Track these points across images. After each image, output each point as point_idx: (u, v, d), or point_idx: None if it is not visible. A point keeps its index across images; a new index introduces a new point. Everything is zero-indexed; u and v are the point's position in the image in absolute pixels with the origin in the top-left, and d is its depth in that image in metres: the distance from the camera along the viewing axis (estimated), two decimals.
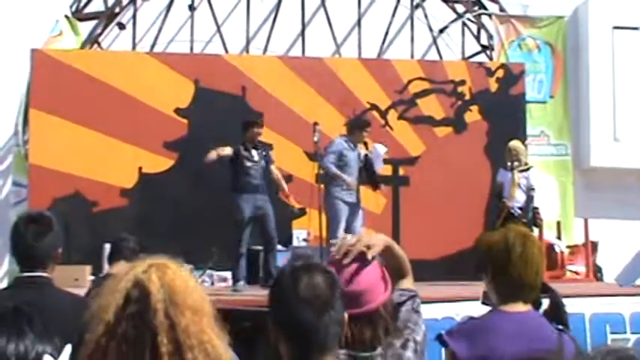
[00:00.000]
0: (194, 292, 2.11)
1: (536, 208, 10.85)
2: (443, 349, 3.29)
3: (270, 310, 2.40)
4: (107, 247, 9.19)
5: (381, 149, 10.06)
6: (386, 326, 2.65)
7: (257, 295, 8.51)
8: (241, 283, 9.34)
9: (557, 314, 3.25)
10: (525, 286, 3.22)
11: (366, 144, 10.06)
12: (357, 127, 10.10)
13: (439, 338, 3.26)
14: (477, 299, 6.32)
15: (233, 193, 9.54)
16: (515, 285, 3.22)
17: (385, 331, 2.64)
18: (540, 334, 3.10)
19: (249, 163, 9.57)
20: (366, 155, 9.90)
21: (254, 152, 9.68)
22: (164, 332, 1.99)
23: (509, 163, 10.60)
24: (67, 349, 2.08)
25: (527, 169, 10.67)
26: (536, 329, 3.12)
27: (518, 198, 10.47)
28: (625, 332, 7.44)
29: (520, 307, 3.21)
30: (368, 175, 9.94)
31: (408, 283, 3.08)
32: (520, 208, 10.45)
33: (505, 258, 3.23)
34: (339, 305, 2.33)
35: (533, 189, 10.59)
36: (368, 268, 2.68)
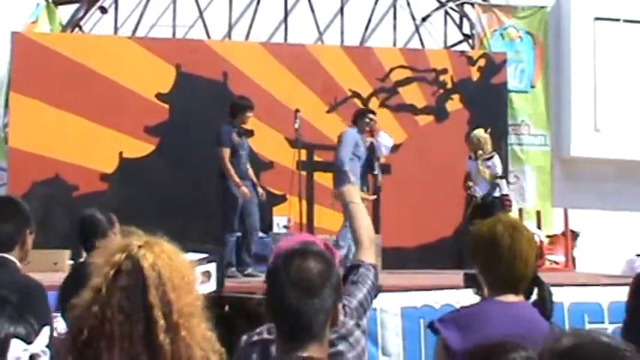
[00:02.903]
0: (187, 274, 2.13)
1: (506, 195, 10.76)
2: (422, 337, 3.27)
3: (265, 290, 2.41)
4: None
5: (385, 139, 10.10)
6: None
7: (241, 281, 8.57)
8: (233, 269, 9.26)
9: (542, 307, 3.22)
10: (515, 279, 3.17)
11: (371, 131, 10.10)
12: (359, 115, 10.16)
13: (431, 326, 3.22)
14: (456, 287, 6.37)
15: (226, 180, 9.39)
16: (505, 277, 3.17)
17: None
18: (536, 325, 3.03)
19: (242, 151, 9.50)
20: (371, 142, 9.95)
21: (244, 138, 9.61)
22: (159, 309, 2.01)
23: (472, 153, 10.58)
24: (45, 331, 2.09)
25: (491, 157, 10.62)
26: (532, 320, 3.07)
27: (482, 186, 10.42)
28: (603, 322, 7.49)
29: (512, 298, 3.17)
30: (368, 161, 9.95)
31: (364, 254, 3.12)
32: (482, 197, 10.37)
33: (493, 251, 3.17)
34: (327, 294, 2.30)
35: (498, 176, 10.55)
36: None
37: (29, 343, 2.04)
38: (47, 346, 2.09)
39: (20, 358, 1.98)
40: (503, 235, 3.17)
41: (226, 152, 9.32)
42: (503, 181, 10.76)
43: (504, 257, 3.14)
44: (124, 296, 2.03)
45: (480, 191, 10.39)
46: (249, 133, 10.27)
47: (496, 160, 10.62)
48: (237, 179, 9.23)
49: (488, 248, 3.19)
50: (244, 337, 2.77)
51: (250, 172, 9.68)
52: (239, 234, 9.48)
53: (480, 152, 10.49)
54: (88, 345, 2.00)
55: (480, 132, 10.70)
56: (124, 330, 2.00)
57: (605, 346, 1.24)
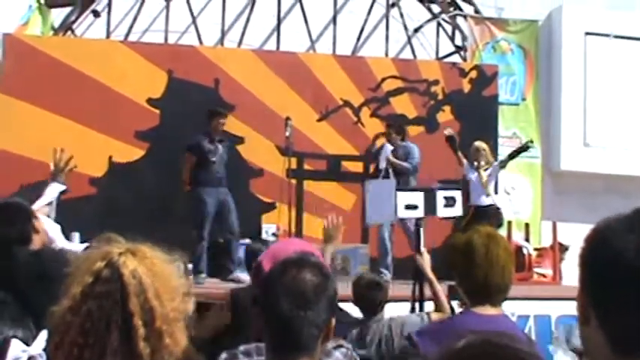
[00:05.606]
0: (171, 279, 2.11)
1: (498, 209, 10.81)
2: None
3: (258, 296, 2.37)
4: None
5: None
6: None
7: (219, 287, 8.50)
8: (203, 275, 9.28)
9: None
10: (492, 288, 3.17)
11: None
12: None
13: (409, 339, 3.22)
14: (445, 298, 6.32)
15: (196, 187, 9.51)
16: (482, 287, 3.17)
17: None
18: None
19: (213, 158, 9.54)
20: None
21: (218, 145, 9.65)
22: (139, 317, 1.99)
23: (475, 163, 10.58)
24: (43, 334, 2.08)
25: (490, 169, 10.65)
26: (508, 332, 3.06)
27: (483, 200, 10.45)
28: None
29: (490, 311, 3.17)
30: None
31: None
32: (484, 209, 10.39)
33: (469, 260, 3.18)
34: (321, 308, 2.26)
35: (494, 188, 10.60)
36: None
37: (27, 345, 2.03)
38: (44, 350, 2.07)
39: (20, 359, 1.97)
40: (479, 244, 3.18)
41: (188, 158, 9.70)
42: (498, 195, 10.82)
43: (481, 266, 3.15)
44: (97, 304, 2.00)
45: (481, 202, 10.43)
46: (239, 141, 10.26)
47: (493, 171, 10.65)
48: (186, 183, 9.68)
49: (465, 258, 3.20)
50: (224, 355, 2.69)
51: (222, 178, 9.77)
52: (205, 242, 9.49)
53: (483, 163, 10.49)
54: (69, 354, 1.97)
55: (481, 143, 10.73)
56: (98, 339, 1.97)
57: (496, 349, 1.22)
